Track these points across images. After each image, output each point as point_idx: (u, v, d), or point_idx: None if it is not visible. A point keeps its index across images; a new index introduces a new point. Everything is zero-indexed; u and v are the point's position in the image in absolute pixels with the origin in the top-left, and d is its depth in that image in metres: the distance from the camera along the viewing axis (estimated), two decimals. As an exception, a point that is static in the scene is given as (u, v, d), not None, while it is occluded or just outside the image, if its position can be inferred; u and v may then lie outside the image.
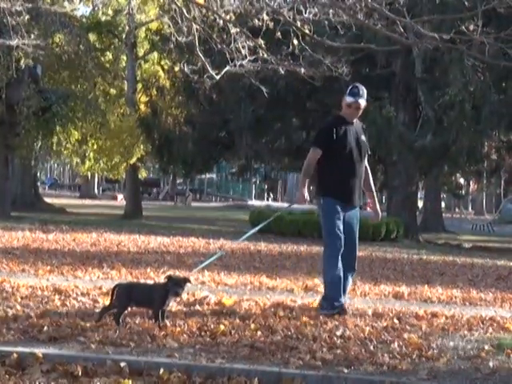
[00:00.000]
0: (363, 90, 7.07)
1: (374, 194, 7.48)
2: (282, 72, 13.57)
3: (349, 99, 7.04)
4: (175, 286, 5.91)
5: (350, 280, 7.26)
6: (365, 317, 6.76)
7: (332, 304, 6.83)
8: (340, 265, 6.90)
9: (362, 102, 7.04)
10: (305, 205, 7.21)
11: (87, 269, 9.89)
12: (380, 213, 7.52)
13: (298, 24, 10.68)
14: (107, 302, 6.33)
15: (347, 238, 7.00)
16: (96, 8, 33.86)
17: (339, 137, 6.98)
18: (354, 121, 7.17)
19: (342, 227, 6.94)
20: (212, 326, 5.99)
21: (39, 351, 4.98)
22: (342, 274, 6.95)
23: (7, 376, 4.65)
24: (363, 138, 7.18)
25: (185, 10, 11.59)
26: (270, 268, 11.67)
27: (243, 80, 18.57)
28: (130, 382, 4.60)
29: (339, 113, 7.28)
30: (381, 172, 28.34)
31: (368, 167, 7.35)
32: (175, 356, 5.10)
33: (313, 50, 12.13)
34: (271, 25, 11.10)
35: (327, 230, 6.98)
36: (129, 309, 6.19)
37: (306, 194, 6.96)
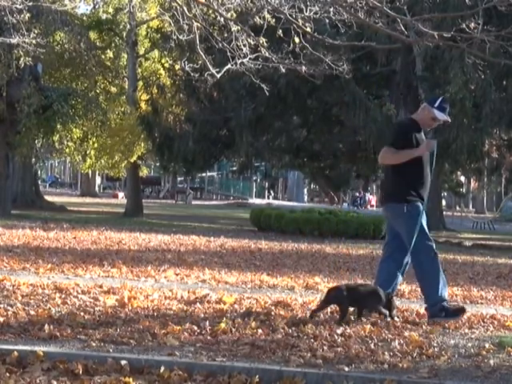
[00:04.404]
0: (449, 106, 7.07)
1: None
2: (283, 70, 13.55)
3: (439, 115, 6.89)
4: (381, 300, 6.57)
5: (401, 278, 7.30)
6: (365, 315, 6.75)
7: (439, 306, 6.82)
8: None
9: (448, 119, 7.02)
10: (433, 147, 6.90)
11: (88, 267, 9.89)
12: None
13: (299, 22, 10.66)
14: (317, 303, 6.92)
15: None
16: (97, 6, 33.85)
17: (417, 141, 6.91)
18: None
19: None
20: (213, 324, 5.99)
21: (40, 349, 4.98)
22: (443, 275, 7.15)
23: (8, 374, 4.66)
24: None
25: (185, 8, 11.57)
26: (270, 266, 11.66)
27: (244, 78, 18.54)
28: (131, 380, 4.60)
29: (412, 116, 7.22)
30: (382, 170, 28.30)
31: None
32: (176, 354, 5.10)
33: (313, 48, 12.11)
34: (272, 23, 11.10)
35: (422, 234, 7.05)
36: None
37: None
